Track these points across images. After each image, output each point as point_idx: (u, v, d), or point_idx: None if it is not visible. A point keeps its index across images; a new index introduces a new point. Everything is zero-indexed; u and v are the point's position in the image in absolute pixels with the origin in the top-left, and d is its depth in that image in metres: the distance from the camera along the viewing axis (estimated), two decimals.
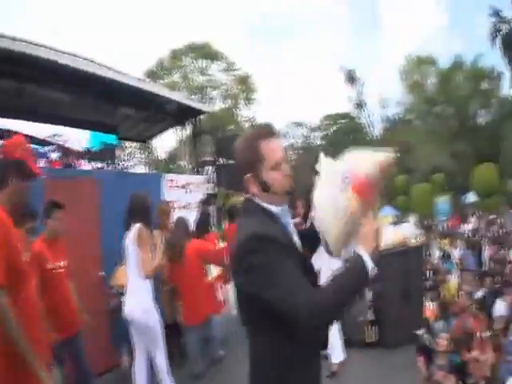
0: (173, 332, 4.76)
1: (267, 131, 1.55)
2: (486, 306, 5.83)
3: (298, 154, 38.45)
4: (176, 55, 32.21)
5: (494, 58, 49.91)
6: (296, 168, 33.20)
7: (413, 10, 61.24)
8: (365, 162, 1.49)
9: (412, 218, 17.28)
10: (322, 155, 1.68)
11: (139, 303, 3.73)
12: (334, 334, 4.49)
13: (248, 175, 1.53)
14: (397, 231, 6.39)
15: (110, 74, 5.75)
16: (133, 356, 4.04)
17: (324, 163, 1.64)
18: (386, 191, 28.55)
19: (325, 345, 1.84)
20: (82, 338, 3.64)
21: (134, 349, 3.99)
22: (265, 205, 1.54)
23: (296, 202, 4.60)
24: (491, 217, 16.84)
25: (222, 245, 5.55)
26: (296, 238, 1.62)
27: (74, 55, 5.34)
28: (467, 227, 14.90)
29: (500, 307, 5.79)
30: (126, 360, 4.61)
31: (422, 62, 33.91)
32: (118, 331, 4.45)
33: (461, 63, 31.77)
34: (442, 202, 25.95)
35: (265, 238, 1.40)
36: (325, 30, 72.00)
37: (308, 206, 3.81)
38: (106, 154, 6.73)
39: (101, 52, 46.56)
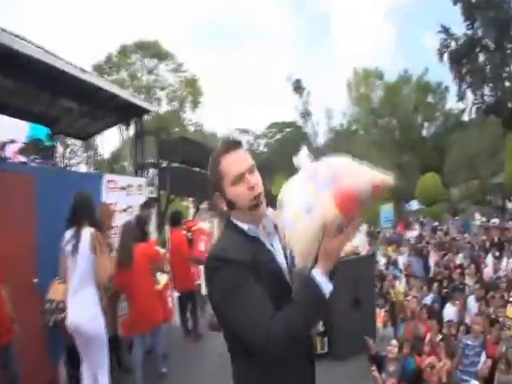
0: (111, 345, 4.38)
1: (226, 147, 1.51)
2: (434, 310, 5.90)
3: None
4: (125, 51, 31.21)
5: (440, 72, 52.92)
6: None
7: (362, 23, 63.86)
8: (359, 175, 1.28)
9: (362, 227, 17.70)
10: (304, 148, 1.64)
11: (90, 313, 3.53)
12: None
13: (216, 193, 1.52)
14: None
15: (49, 60, 5.17)
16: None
17: (304, 158, 1.56)
18: None
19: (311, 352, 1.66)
20: (15, 348, 3.52)
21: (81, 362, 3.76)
22: (236, 222, 1.51)
23: None
24: (435, 224, 17.57)
25: (161, 250, 5.34)
26: (280, 258, 1.52)
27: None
28: (412, 234, 15.40)
29: (450, 312, 5.88)
30: (63, 373, 4.44)
31: (369, 75, 35.11)
32: (55, 344, 4.24)
33: (407, 77, 33.31)
34: (386, 209, 26.87)
35: (223, 260, 1.36)
36: (274, 39, 73.36)
37: None
38: (42, 149, 6.12)
39: (49, 40, 44.22)
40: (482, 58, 33.31)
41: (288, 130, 40.88)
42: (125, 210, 5.89)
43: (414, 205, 28.20)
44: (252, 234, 1.47)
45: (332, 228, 1.24)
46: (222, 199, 1.50)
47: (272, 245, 1.52)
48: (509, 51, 32.84)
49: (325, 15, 73.05)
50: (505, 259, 8.04)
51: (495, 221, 14.03)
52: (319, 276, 1.28)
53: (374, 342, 5.09)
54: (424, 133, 34.57)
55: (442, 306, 6.16)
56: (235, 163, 1.44)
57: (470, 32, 32.81)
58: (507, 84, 32.26)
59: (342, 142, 34.62)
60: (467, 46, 32.70)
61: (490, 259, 8.45)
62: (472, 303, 6.05)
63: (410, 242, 12.41)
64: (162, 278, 5.13)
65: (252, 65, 70.72)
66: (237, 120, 79.27)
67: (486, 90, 32.98)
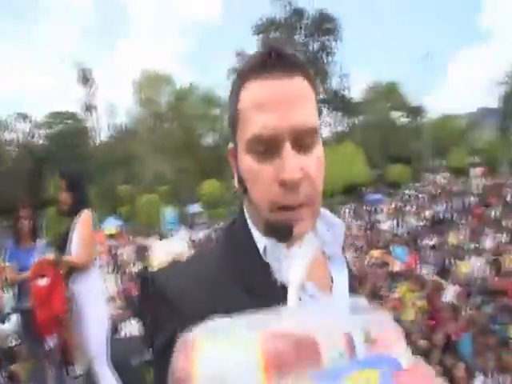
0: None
1: (261, 62, 0.67)
2: None
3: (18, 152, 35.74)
4: None
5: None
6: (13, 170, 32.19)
7: (159, 31, 66.16)
8: None
9: (182, 232, 18.35)
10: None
11: None
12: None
13: (230, 146, 0.83)
14: (168, 246, 6.16)
15: None
16: None
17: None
18: (109, 200, 29.84)
19: None
20: None
21: None
22: (250, 225, 0.73)
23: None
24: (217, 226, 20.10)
25: None
26: None
27: None
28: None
29: None
30: None
31: (159, 79, 35.97)
32: None
33: (197, 88, 35.86)
34: (169, 212, 28.76)
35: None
36: (63, 24, 70.41)
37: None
38: None
39: None
40: None
41: (68, 121, 37.80)
42: None
43: (195, 208, 30.61)
44: (271, 267, 0.69)
45: None
46: (233, 164, 0.76)
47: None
48: None
49: (124, 12, 73.17)
50: None
51: None
52: None
53: None
54: (207, 141, 37.39)
55: None
56: (267, 106, 0.65)
57: None
58: None
59: (123, 141, 34.48)
60: None
61: None
62: None
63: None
64: None
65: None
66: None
67: None
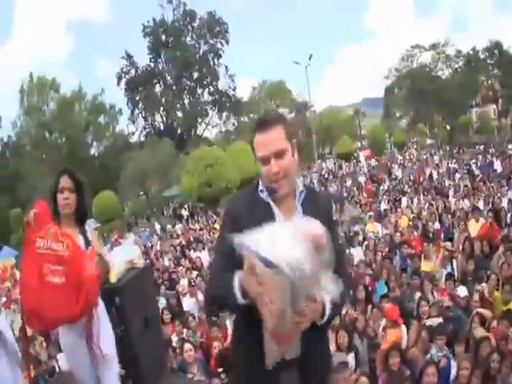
0: None
1: (259, 123, 1.54)
2: None
3: None
4: None
5: (115, 95, 54.05)
6: None
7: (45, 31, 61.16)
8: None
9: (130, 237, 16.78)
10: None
11: None
12: None
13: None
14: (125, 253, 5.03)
15: None
16: None
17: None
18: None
19: None
20: None
21: None
22: (260, 180, 1.59)
23: None
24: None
25: None
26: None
27: None
28: None
29: None
30: None
31: (44, 85, 32.82)
32: None
33: (82, 94, 33.39)
34: None
35: (225, 210, 1.65)
36: None
37: None
38: None
39: None
40: (158, 88, 36.99)
41: None
42: None
43: (91, 223, 28.47)
44: (262, 195, 1.55)
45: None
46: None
47: (274, 216, 1.52)
48: (186, 88, 37.64)
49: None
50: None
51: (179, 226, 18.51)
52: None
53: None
54: (93, 151, 35.03)
55: None
56: (261, 145, 1.50)
57: (152, 64, 36.06)
58: (179, 114, 36.80)
59: (9, 157, 31.92)
60: (146, 76, 35.68)
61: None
62: None
63: None
64: None
65: None
66: None
67: (158, 117, 36.81)
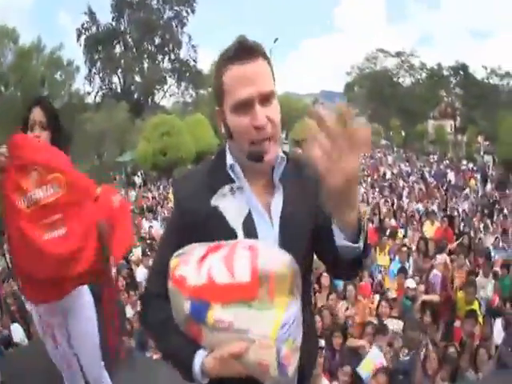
0: None
1: (236, 51, 1.03)
2: None
3: None
4: None
5: (75, 52, 50.68)
6: None
7: None
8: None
9: None
10: None
11: None
12: None
13: (216, 108, 1.12)
14: None
15: None
16: None
17: None
18: None
19: None
20: None
21: None
22: (227, 151, 1.14)
23: None
24: None
25: None
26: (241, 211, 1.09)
27: None
28: None
29: None
30: None
31: (4, 34, 30.15)
32: None
33: (41, 47, 31.84)
34: None
35: (175, 192, 1.20)
36: None
37: None
38: None
39: None
40: (118, 49, 35.72)
41: None
42: None
43: None
44: (232, 174, 1.11)
45: None
46: (221, 120, 1.10)
47: (250, 212, 1.09)
48: (146, 52, 36.60)
49: None
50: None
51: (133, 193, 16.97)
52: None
53: None
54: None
55: None
56: (241, 81, 1.01)
57: (114, 24, 34.72)
58: (137, 79, 35.88)
59: None
60: (107, 35, 34.32)
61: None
62: None
63: None
64: None
65: None
66: None
67: (115, 79, 35.83)
